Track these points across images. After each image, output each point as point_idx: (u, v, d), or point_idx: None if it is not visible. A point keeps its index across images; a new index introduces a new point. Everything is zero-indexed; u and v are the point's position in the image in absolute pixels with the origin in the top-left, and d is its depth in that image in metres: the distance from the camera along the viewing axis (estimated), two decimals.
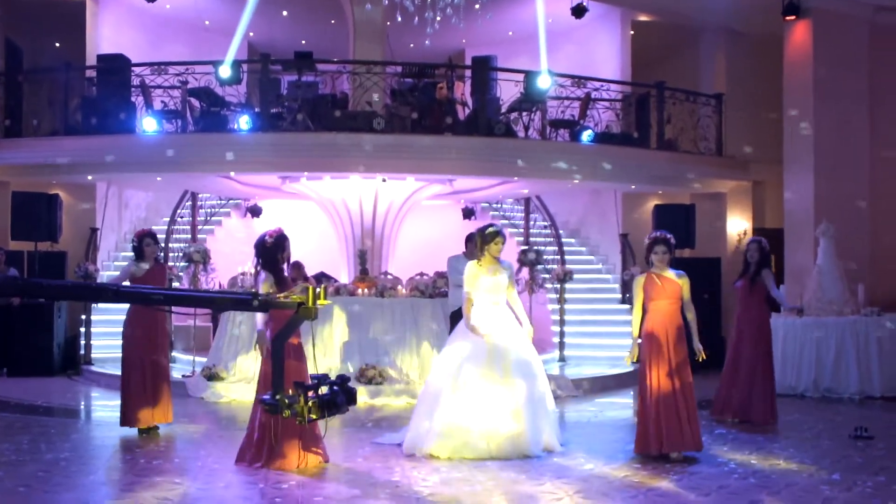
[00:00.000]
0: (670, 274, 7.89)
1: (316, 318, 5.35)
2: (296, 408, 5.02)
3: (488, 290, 8.05)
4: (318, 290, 5.24)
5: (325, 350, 11.83)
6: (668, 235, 8.00)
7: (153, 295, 5.50)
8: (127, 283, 8.71)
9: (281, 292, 7.09)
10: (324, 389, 5.19)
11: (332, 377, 5.30)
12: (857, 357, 11.74)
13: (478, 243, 8.16)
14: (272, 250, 7.45)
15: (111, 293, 5.27)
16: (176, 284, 14.10)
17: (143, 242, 8.92)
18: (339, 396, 5.16)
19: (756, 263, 9.88)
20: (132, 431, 8.82)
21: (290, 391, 5.07)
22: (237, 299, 5.34)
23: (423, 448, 7.75)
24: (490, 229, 8.21)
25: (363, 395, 11.26)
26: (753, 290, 9.89)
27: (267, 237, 7.51)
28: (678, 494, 6.56)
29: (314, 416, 5.11)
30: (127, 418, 8.81)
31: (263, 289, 7.24)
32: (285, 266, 7.57)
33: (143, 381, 8.76)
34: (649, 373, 7.81)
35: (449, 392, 7.82)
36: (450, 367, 7.94)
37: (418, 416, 8.03)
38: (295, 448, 7.27)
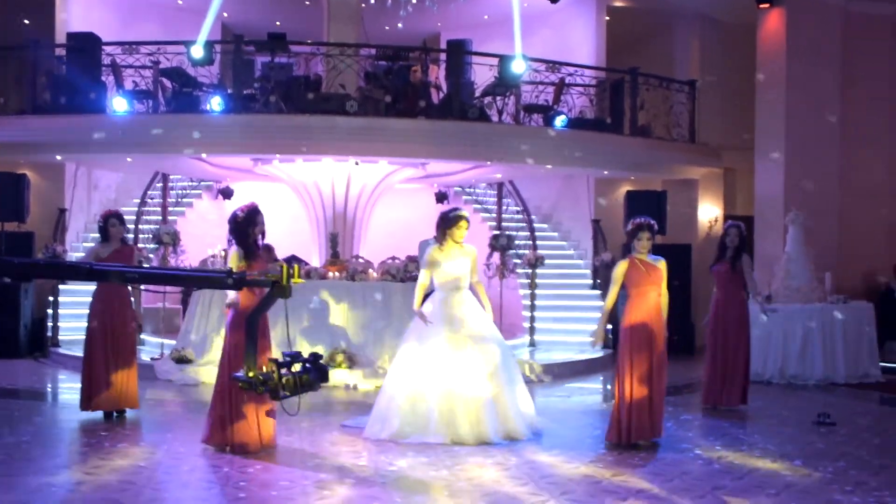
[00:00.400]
0: (651, 260, 7.85)
1: (290, 296, 5.34)
2: (269, 384, 5.04)
3: (449, 275, 7.97)
4: (292, 268, 5.23)
5: (294, 333, 11.77)
6: (652, 221, 7.88)
7: (127, 273, 5.44)
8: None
9: (250, 266, 7.09)
10: (297, 367, 5.21)
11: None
12: (822, 344, 11.85)
13: (440, 227, 8.05)
14: (243, 224, 7.42)
15: (84, 271, 5.22)
16: (146, 266, 14.03)
17: (108, 223, 8.82)
18: (311, 373, 5.19)
19: (736, 248, 9.89)
20: (97, 415, 8.74)
21: (265, 368, 5.08)
22: (211, 277, 5.31)
23: (384, 433, 7.73)
24: (453, 213, 8.10)
25: (332, 380, 11.25)
26: (734, 275, 9.90)
27: (239, 211, 7.49)
28: (641, 480, 6.59)
29: (287, 393, 5.14)
30: (86, 402, 8.71)
31: (231, 261, 7.24)
32: (259, 240, 7.49)
33: (105, 364, 8.65)
34: (632, 363, 7.71)
35: (409, 380, 7.78)
36: (412, 353, 7.89)
37: (379, 402, 7.99)
38: (253, 427, 7.22)
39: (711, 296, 10.15)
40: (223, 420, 7.23)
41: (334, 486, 6.31)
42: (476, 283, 8.16)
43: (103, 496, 5.96)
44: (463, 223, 7.99)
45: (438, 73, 15.84)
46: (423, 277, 8.00)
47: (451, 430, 7.60)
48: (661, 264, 7.87)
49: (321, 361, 5.36)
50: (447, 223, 7.99)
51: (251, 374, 5.21)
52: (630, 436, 7.64)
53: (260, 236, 7.50)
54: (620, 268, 7.86)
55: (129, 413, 8.90)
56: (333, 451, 7.49)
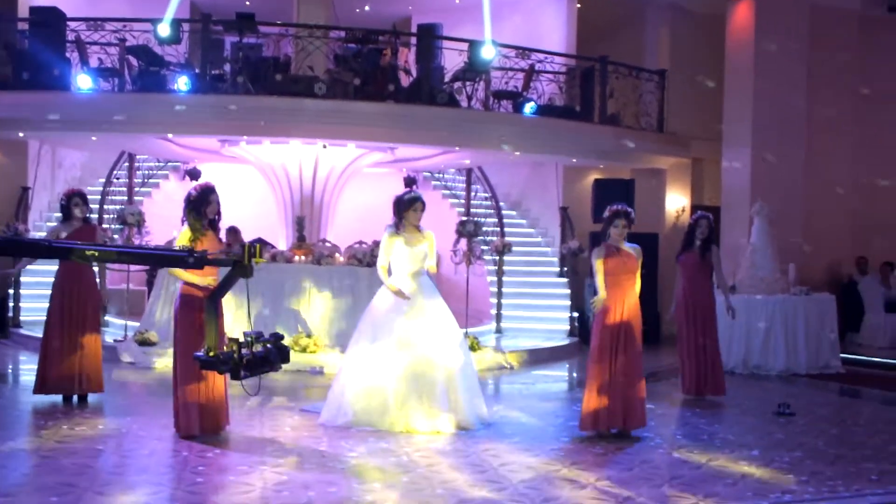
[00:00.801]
0: (627, 248, 7.79)
1: (251, 276, 5.30)
2: (231, 364, 5.06)
3: (406, 259, 7.85)
4: (253, 248, 5.18)
5: (258, 317, 11.72)
6: (629, 209, 7.82)
7: (87, 251, 5.36)
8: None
9: (199, 246, 6.99)
10: (257, 347, 5.15)
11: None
12: (784, 335, 11.95)
13: (395, 210, 7.94)
14: (195, 202, 7.29)
15: (44, 248, 5.15)
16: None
17: (71, 202, 8.67)
18: (272, 353, 5.20)
19: (706, 240, 9.88)
20: (57, 398, 8.62)
21: (225, 347, 5.08)
22: (172, 256, 5.25)
23: (339, 420, 7.68)
24: (408, 195, 7.97)
25: (296, 364, 11.20)
26: (703, 265, 9.90)
27: (193, 190, 7.38)
28: (600, 469, 6.62)
29: (248, 373, 5.12)
30: (41, 385, 8.56)
31: (180, 240, 7.09)
32: (213, 220, 7.37)
33: (63, 346, 8.50)
34: (605, 352, 7.63)
35: (362, 367, 7.71)
36: (367, 339, 7.79)
37: (333, 389, 7.92)
38: (198, 411, 7.16)
39: (676, 285, 10.14)
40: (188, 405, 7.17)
41: (292, 472, 6.28)
42: (430, 268, 7.99)
43: (59, 480, 5.89)
44: (418, 205, 7.86)
45: (408, 57, 15.78)
46: (382, 260, 7.88)
47: (404, 419, 7.54)
48: (636, 252, 7.82)
49: (283, 343, 5.34)
50: (403, 206, 7.87)
51: (212, 354, 5.17)
52: (600, 424, 7.60)
53: (215, 216, 7.37)
54: (598, 256, 7.77)
55: (91, 396, 8.77)
56: (293, 435, 7.46)
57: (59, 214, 8.93)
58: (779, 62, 14.29)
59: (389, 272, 7.92)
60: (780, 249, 12.76)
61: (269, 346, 5.16)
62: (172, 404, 7.29)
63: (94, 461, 6.45)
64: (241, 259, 5.14)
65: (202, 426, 7.14)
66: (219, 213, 7.40)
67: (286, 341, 11.40)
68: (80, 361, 8.56)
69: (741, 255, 13.04)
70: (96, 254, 5.20)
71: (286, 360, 5.21)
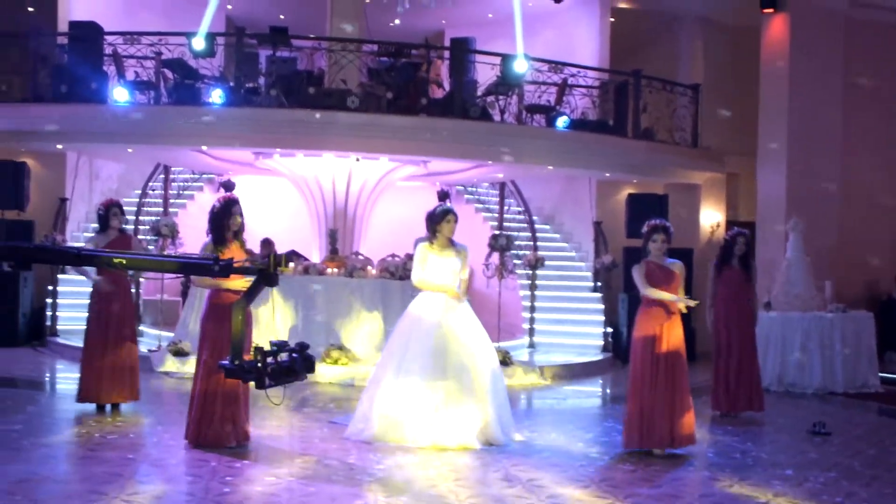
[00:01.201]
0: (668, 264, 7.67)
1: (276, 285, 5.30)
2: (254, 373, 5.03)
3: (439, 273, 7.79)
4: (279, 257, 5.17)
5: (290, 329, 11.79)
6: (667, 223, 7.74)
7: (115, 258, 5.40)
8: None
9: (223, 257, 7.02)
10: (283, 356, 5.14)
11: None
12: (821, 353, 11.77)
13: (428, 224, 7.91)
14: (218, 215, 7.33)
15: (73, 256, 5.19)
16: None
17: (110, 212, 8.76)
18: (297, 363, 5.15)
19: (744, 256, 9.85)
20: (91, 406, 8.70)
21: (249, 356, 5.05)
22: (198, 264, 5.25)
23: (363, 435, 7.61)
24: (440, 208, 7.92)
25: (328, 377, 11.23)
26: (745, 282, 9.86)
27: (216, 202, 7.44)
28: (629, 486, 6.55)
29: (272, 382, 5.09)
30: (83, 394, 8.66)
31: (205, 251, 7.16)
32: (235, 232, 7.39)
33: (103, 356, 8.59)
34: (646, 369, 7.52)
35: (391, 380, 7.62)
36: (397, 353, 7.71)
37: (361, 402, 7.87)
38: (229, 424, 7.19)
39: (715, 299, 10.01)
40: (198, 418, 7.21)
41: (320, 484, 6.28)
42: (462, 280, 7.91)
43: (88, 487, 5.93)
44: (451, 217, 7.80)
45: (441, 70, 15.82)
46: (418, 273, 7.82)
47: (431, 434, 7.45)
48: (678, 268, 7.69)
49: (309, 352, 5.31)
50: (435, 219, 7.83)
51: (237, 363, 5.15)
52: (644, 442, 7.52)
53: (238, 228, 7.40)
54: (639, 272, 7.64)
55: (124, 405, 8.83)
56: (322, 447, 7.46)
57: (97, 225, 9.02)
58: (814, 75, 14.16)
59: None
60: (817, 266, 12.60)
61: (294, 355, 5.12)
62: (188, 413, 7.32)
63: (124, 469, 6.49)
64: (266, 268, 5.13)
65: (213, 439, 7.16)
66: (242, 226, 7.42)
67: (317, 353, 11.48)
68: (117, 371, 8.61)
69: (776, 271, 12.89)
70: (124, 261, 5.24)
71: (311, 369, 5.18)
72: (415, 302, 7.92)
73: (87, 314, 8.83)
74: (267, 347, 5.17)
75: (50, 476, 6.23)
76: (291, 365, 5.10)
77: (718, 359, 9.92)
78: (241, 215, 7.40)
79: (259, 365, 5.00)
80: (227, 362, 5.11)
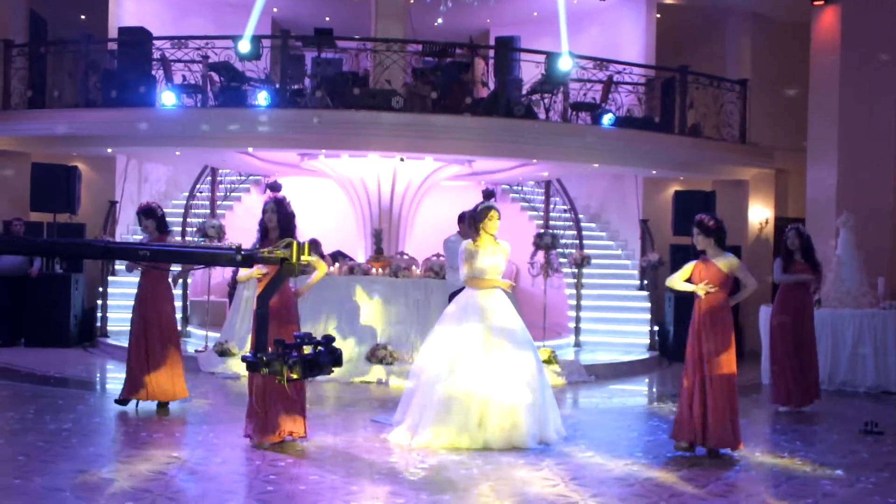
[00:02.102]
0: (716, 260, 7.47)
1: (300, 275, 5.24)
2: (274, 365, 4.74)
3: (487, 271, 7.71)
4: (302, 245, 5.03)
5: (335, 328, 11.84)
6: (701, 216, 7.56)
7: (140, 250, 5.40)
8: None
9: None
10: (307, 349, 4.87)
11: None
12: (874, 351, 11.56)
13: (471, 223, 7.83)
14: (292, 215, 7.62)
15: (99, 250, 5.14)
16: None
17: (138, 219, 9.01)
18: (322, 357, 4.84)
19: (804, 249, 9.92)
20: (143, 404, 8.83)
21: (271, 349, 4.84)
22: (221, 254, 5.17)
23: (413, 440, 7.49)
24: (483, 205, 7.87)
25: (374, 375, 11.27)
26: (816, 273, 10.01)
27: (281, 201, 7.61)
28: (675, 484, 6.48)
29: (295, 376, 4.75)
30: (127, 391, 8.81)
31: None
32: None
33: (146, 356, 8.73)
34: (688, 363, 7.47)
35: (441, 382, 7.50)
36: (442, 355, 7.60)
37: (406, 408, 7.76)
38: (278, 421, 7.27)
39: (780, 295, 10.09)
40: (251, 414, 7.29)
41: (363, 483, 6.29)
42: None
43: (134, 485, 6.01)
44: (494, 213, 7.74)
45: (484, 69, 15.78)
46: (466, 270, 7.72)
47: (481, 437, 7.37)
48: (720, 262, 7.45)
49: (335, 345, 5.12)
50: (479, 217, 7.78)
51: (258, 355, 5.01)
52: (684, 436, 7.43)
53: (272, 224, 7.52)
54: (685, 269, 7.64)
55: (172, 404, 8.95)
56: (365, 446, 7.47)
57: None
58: (866, 70, 13.88)
59: (462, 285, 7.86)
60: (869, 262, 12.36)
61: (319, 348, 4.86)
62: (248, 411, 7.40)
63: (169, 467, 6.55)
64: (288, 257, 5.00)
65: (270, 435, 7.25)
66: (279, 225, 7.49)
67: (363, 352, 11.53)
68: (161, 370, 8.74)
69: (827, 268, 12.65)
70: (148, 253, 5.21)
71: (338, 363, 4.97)
72: (458, 300, 7.86)
73: (131, 315, 8.99)
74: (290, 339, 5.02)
75: (97, 474, 6.31)
76: (316, 358, 4.91)
77: (774, 353, 10.00)
78: (276, 213, 7.55)
79: (280, 357, 4.85)
80: (249, 355, 4.99)
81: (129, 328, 9.10)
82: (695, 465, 7.10)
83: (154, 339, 8.80)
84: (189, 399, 9.13)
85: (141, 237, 9.35)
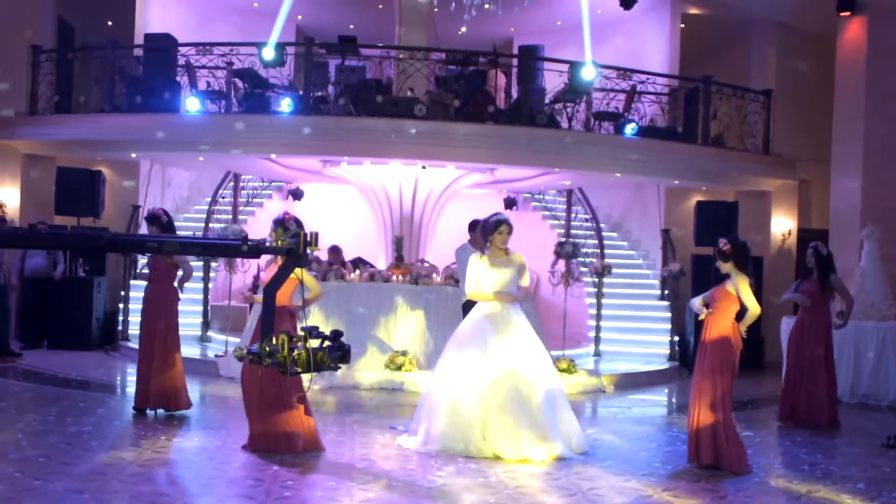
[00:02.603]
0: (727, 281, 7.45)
1: (305, 266, 5.15)
2: (277, 357, 4.55)
3: (493, 285, 7.63)
4: (309, 236, 4.92)
5: (354, 335, 11.88)
6: (718, 242, 7.46)
7: (148, 243, 5.38)
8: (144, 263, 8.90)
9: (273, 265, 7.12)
10: (314, 343, 4.67)
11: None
12: None
13: (482, 233, 7.80)
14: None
15: (105, 242, 5.10)
16: (213, 264, 14.28)
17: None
18: (329, 352, 4.66)
19: (819, 268, 9.79)
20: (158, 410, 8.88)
21: (274, 340, 4.61)
22: (227, 245, 5.11)
23: (424, 448, 7.48)
24: (493, 218, 7.76)
25: (391, 383, 11.28)
26: (822, 294, 9.86)
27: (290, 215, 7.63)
28: (692, 496, 6.44)
29: (298, 369, 4.58)
30: (138, 400, 8.87)
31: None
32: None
33: (150, 363, 8.76)
34: (719, 380, 7.31)
35: (451, 389, 7.45)
36: (454, 363, 7.56)
37: (420, 418, 7.72)
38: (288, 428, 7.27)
39: (800, 313, 10.07)
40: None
41: (379, 491, 6.29)
42: (523, 290, 7.83)
43: (152, 489, 6.05)
44: (504, 227, 7.64)
45: (496, 79, 15.79)
46: (471, 284, 7.67)
47: (490, 447, 7.33)
48: (728, 284, 7.39)
49: (343, 340, 4.80)
50: (487, 228, 7.72)
51: (263, 347, 4.87)
52: (690, 455, 7.39)
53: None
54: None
55: (191, 410, 8.96)
56: (382, 453, 7.47)
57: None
58: (892, 81, 13.75)
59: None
60: (893, 275, 12.26)
61: (326, 343, 4.67)
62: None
63: (187, 472, 6.59)
64: (295, 248, 4.89)
65: (277, 445, 7.26)
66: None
67: (382, 358, 11.53)
68: (163, 377, 8.77)
69: (850, 280, 12.55)
70: (156, 245, 5.19)
71: (345, 360, 4.69)
72: (471, 314, 7.81)
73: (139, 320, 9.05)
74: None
75: (116, 477, 6.35)
76: (322, 353, 4.73)
77: (793, 372, 9.88)
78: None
79: (283, 350, 4.69)
80: (254, 348, 4.87)
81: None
82: (713, 476, 7.05)
83: (157, 346, 8.81)
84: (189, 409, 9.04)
85: None
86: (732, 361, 7.30)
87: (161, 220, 8.95)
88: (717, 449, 7.23)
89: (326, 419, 9.08)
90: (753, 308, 7.28)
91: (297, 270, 7.44)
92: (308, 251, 4.78)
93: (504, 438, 7.33)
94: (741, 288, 7.30)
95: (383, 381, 11.34)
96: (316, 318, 11.81)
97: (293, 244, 4.76)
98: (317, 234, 4.80)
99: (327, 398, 10.46)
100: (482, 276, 7.67)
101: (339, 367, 4.71)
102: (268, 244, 4.75)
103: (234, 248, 4.86)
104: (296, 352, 4.49)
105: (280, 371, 4.56)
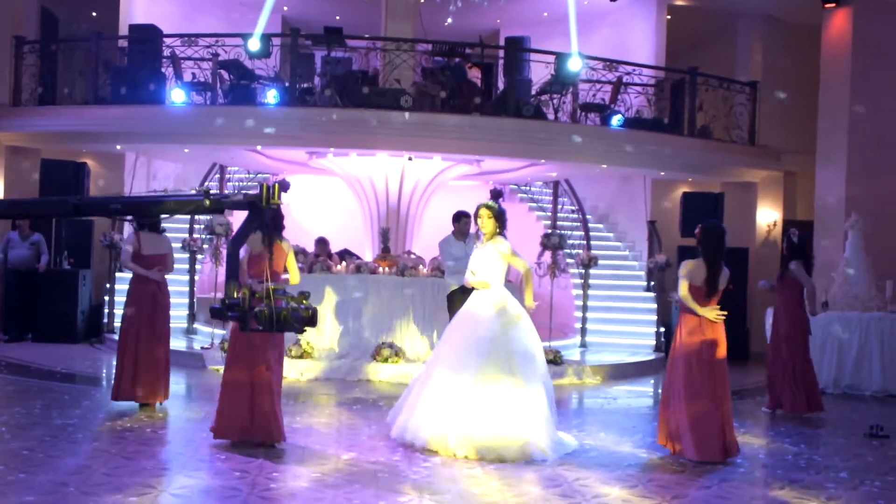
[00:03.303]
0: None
1: (269, 223, 5.03)
2: (238, 310, 4.40)
3: (475, 270, 7.65)
4: (271, 188, 4.79)
5: (341, 326, 11.88)
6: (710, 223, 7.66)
7: (111, 206, 5.30)
8: (129, 250, 8.86)
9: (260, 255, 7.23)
10: (280, 302, 4.45)
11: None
12: (881, 354, 11.52)
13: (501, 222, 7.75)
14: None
15: (71, 207, 5.02)
16: (199, 256, 14.24)
17: None
18: (294, 313, 4.45)
19: (790, 254, 9.82)
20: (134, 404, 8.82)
21: (236, 294, 4.44)
22: (189, 200, 5.01)
23: (404, 437, 7.43)
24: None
25: (383, 376, 11.28)
26: (783, 283, 9.84)
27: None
28: (678, 485, 6.48)
29: (259, 327, 4.40)
30: (117, 392, 8.72)
31: (251, 246, 7.45)
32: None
33: (135, 355, 8.66)
34: (696, 373, 7.43)
35: (437, 386, 7.38)
36: (450, 358, 7.45)
37: (415, 404, 7.55)
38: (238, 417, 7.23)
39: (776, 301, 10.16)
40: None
41: (366, 481, 6.30)
42: (525, 273, 7.82)
43: (138, 480, 6.04)
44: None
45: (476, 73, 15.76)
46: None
47: (469, 445, 7.10)
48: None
49: (310, 303, 4.62)
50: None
51: (224, 301, 4.51)
52: (672, 444, 7.42)
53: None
54: (684, 270, 7.66)
55: (174, 401, 8.95)
56: (369, 445, 7.48)
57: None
58: (877, 72, 13.83)
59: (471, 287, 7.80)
60: (877, 265, 12.32)
61: (293, 303, 4.45)
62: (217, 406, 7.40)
63: (173, 463, 6.59)
64: (257, 200, 4.76)
65: (241, 433, 7.21)
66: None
67: (369, 352, 11.51)
68: (149, 369, 8.68)
69: (835, 270, 12.64)
70: (120, 207, 5.12)
71: (312, 323, 4.49)
72: (469, 301, 7.74)
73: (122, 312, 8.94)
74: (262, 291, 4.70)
75: (101, 469, 6.33)
76: (286, 312, 4.55)
77: (771, 361, 9.92)
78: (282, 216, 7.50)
79: (245, 304, 4.39)
80: (217, 305, 4.73)
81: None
82: (698, 465, 7.09)
83: (148, 336, 8.72)
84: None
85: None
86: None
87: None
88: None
89: (312, 410, 9.09)
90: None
91: (290, 256, 7.51)
92: (272, 204, 4.64)
93: (486, 438, 7.10)
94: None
95: (370, 373, 11.35)
96: None
97: (255, 197, 4.64)
98: (279, 185, 4.67)
99: (314, 389, 10.45)
100: (472, 264, 7.71)
101: (304, 331, 4.57)
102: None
103: (197, 203, 4.76)
104: (258, 309, 4.33)
105: (241, 327, 4.44)
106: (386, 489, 6.10)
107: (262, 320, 4.35)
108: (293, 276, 7.65)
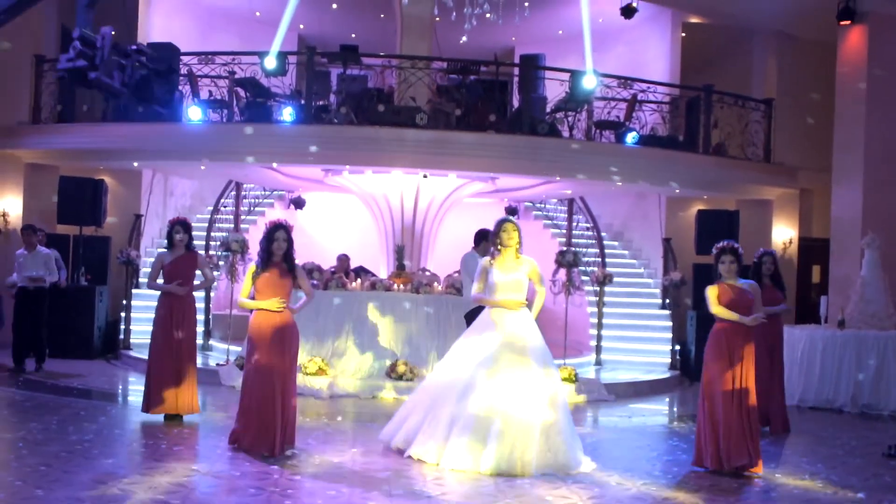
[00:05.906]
0: (741, 284, 7.63)
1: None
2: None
3: (498, 287, 7.48)
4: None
5: (357, 344, 11.90)
6: (736, 245, 7.68)
7: None
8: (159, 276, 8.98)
9: (264, 279, 7.54)
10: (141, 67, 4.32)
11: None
12: None
13: (492, 241, 7.65)
14: (262, 238, 7.72)
15: None
16: (216, 273, 14.28)
17: (173, 230, 9.03)
18: (152, 79, 4.32)
19: (774, 274, 10.04)
20: (158, 417, 8.89)
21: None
22: None
23: (394, 443, 7.64)
24: (500, 218, 7.70)
25: (391, 391, 11.28)
26: (774, 301, 9.90)
27: (265, 225, 7.83)
28: None
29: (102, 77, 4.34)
30: (148, 404, 8.86)
31: (248, 272, 7.74)
32: (279, 255, 7.59)
33: (166, 368, 8.78)
34: (719, 385, 7.46)
35: (443, 402, 7.37)
36: (461, 372, 7.41)
37: (406, 406, 7.76)
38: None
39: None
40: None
41: (381, 499, 6.29)
42: (540, 295, 7.75)
43: (153, 497, 6.05)
44: (507, 226, 7.50)
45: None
46: (475, 287, 7.57)
47: (482, 462, 7.05)
48: (752, 288, 7.65)
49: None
50: (494, 231, 7.60)
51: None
52: (726, 461, 7.40)
53: (284, 253, 7.59)
54: (711, 293, 7.62)
55: (190, 417, 8.99)
56: (382, 462, 7.46)
57: (167, 241, 9.24)
58: (892, 90, 13.78)
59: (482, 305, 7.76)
60: (894, 284, 12.26)
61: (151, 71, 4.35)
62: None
63: (188, 480, 6.59)
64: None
65: (252, 442, 7.41)
66: (289, 253, 7.57)
67: (384, 368, 11.51)
68: (179, 384, 8.81)
69: (851, 289, 12.58)
70: None
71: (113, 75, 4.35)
72: (476, 321, 7.73)
73: (152, 327, 9.05)
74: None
75: (117, 486, 6.35)
76: (146, 78, 4.31)
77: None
78: (287, 241, 7.57)
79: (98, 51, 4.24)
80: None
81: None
82: (714, 485, 7.05)
83: (178, 351, 8.86)
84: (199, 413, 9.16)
85: (163, 251, 9.38)
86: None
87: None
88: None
89: (328, 428, 9.10)
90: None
91: (301, 281, 7.71)
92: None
93: (514, 450, 7.08)
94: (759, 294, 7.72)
95: (385, 390, 11.35)
96: (320, 326, 11.86)
97: None
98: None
99: (328, 406, 10.46)
100: (489, 280, 7.52)
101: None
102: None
103: None
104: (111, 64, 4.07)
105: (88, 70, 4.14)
106: None
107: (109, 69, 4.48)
108: (306, 292, 7.87)
